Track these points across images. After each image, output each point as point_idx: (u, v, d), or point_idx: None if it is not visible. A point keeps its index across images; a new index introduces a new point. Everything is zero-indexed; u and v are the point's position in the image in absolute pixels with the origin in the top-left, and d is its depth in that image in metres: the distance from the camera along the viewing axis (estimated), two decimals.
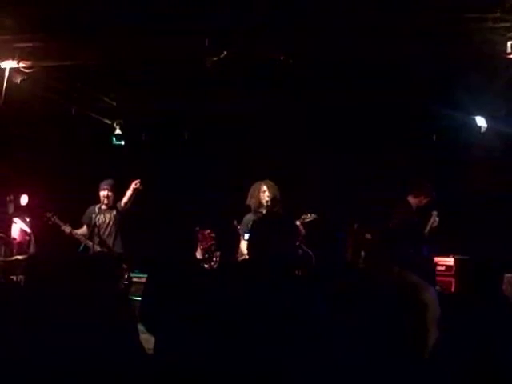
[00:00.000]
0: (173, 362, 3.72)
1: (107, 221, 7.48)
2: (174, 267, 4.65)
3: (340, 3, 5.31)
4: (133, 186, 7.36)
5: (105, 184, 7.49)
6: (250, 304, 3.40)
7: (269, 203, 6.81)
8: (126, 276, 7.91)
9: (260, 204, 6.86)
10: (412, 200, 7.26)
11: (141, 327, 3.82)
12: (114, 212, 7.51)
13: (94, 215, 7.43)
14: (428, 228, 7.30)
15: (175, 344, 3.86)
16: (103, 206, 7.47)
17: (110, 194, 7.45)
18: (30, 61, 6.35)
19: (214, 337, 3.53)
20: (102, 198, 7.44)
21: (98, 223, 7.41)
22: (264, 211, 6.79)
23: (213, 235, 8.13)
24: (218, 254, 7.94)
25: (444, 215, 7.46)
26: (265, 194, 6.86)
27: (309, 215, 6.97)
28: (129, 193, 7.39)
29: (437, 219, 7.29)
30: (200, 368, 3.40)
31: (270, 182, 6.96)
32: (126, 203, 7.43)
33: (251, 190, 6.99)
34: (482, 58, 5.95)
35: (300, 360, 2.81)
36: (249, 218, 6.80)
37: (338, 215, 8.34)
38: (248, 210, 6.97)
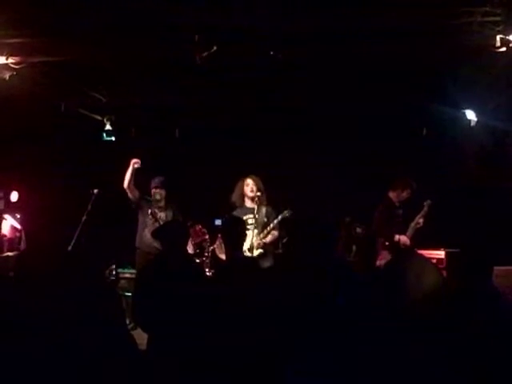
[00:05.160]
0: (166, 357, 3.73)
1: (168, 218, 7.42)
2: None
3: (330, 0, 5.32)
4: (132, 165, 7.26)
5: (158, 182, 7.47)
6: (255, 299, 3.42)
7: (255, 195, 6.87)
8: (114, 272, 7.91)
9: (246, 198, 6.93)
10: (391, 194, 7.41)
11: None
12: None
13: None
14: (415, 221, 7.37)
15: (169, 340, 3.87)
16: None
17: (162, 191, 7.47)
18: (19, 56, 6.30)
19: (210, 331, 3.54)
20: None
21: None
22: (250, 205, 6.90)
23: (204, 230, 8.16)
24: (210, 249, 7.97)
25: (434, 208, 7.52)
26: (249, 187, 6.92)
27: (285, 211, 6.93)
28: (129, 173, 7.28)
29: (421, 221, 7.39)
30: (194, 363, 3.40)
31: (254, 176, 7.01)
32: (129, 183, 7.30)
33: (236, 187, 7.05)
34: (472, 52, 5.97)
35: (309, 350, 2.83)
36: (237, 212, 6.87)
37: (329, 210, 8.35)
38: (234, 207, 7.03)
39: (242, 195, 6.97)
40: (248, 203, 6.95)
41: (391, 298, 2.72)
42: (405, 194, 7.40)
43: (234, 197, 7.02)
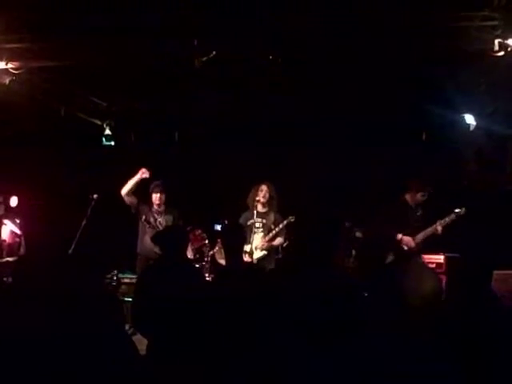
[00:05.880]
0: (166, 362, 3.73)
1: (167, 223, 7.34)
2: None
3: (328, 3, 5.33)
4: (140, 175, 7.24)
5: (158, 186, 7.42)
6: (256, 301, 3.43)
7: (263, 201, 7.27)
8: (115, 277, 7.91)
9: (258, 203, 7.29)
10: (407, 196, 7.20)
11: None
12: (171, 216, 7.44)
13: None
14: (433, 227, 7.08)
15: (169, 345, 3.87)
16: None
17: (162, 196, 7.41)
18: (19, 61, 6.32)
19: (209, 335, 3.55)
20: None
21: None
22: (261, 209, 7.30)
23: (204, 235, 8.17)
24: (209, 253, 7.98)
25: (436, 212, 7.45)
26: (262, 193, 7.30)
27: (291, 217, 7.33)
28: (134, 181, 7.26)
29: (439, 228, 7.08)
30: (194, 367, 3.40)
31: (268, 183, 7.39)
32: (129, 191, 7.28)
33: (251, 192, 7.39)
34: (470, 56, 5.98)
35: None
36: (246, 215, 7.32)
37: (329, 214, 8.35)
38: (246, 208, 7.40)
39: (255, 200, 7.30)
40: (259, 208, 7.32)
41: (389, 302, 2.73)
42: (419, 197, 7.16)
43: (249, 201, 7.39)
